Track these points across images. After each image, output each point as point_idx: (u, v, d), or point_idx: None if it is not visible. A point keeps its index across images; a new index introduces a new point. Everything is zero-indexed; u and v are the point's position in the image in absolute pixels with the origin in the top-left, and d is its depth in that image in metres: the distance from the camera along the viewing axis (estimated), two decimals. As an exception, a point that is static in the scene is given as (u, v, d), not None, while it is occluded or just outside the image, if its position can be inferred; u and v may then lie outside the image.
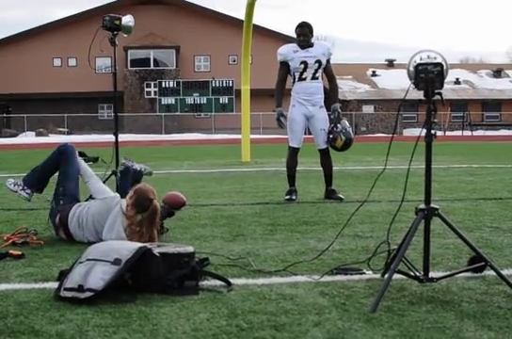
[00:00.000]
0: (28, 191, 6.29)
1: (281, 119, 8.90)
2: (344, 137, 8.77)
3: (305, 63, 8.80)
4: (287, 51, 8.93)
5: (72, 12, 66.90)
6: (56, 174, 6.30)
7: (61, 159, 6.26)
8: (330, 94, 9.10)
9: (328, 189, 9.01)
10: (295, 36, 9.02)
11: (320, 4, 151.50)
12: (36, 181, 6.33)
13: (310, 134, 9.04)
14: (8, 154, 25.62)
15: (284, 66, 8.96)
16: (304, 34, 8.85)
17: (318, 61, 8.83)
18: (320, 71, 8.90)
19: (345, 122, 8.88)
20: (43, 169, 6.34)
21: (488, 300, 3.86)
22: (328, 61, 8.96)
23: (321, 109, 8.95)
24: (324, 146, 8.92)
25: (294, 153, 9.02)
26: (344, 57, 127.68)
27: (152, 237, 5.46)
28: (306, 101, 8.88)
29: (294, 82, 8.98)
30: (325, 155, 9.00)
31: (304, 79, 8.87)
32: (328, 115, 8.83)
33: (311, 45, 8.88)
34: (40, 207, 7.83)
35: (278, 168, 14.18)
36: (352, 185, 10.55)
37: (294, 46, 8.94)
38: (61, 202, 6.08)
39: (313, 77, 8.88)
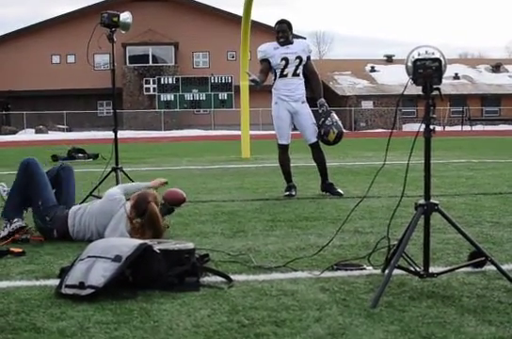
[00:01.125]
0: (15, 224, 5.91)
1: (252, 75, 8.65)
2: (336, 130, 8.75)
3: (286, 59, 8.79)
4: (267, 48, 8.94)
5: (71, 9, 66.77)
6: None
7: (28, 174, 6.03)
8: (315, 90, 9.06)
9: (325, 183, 9.00)
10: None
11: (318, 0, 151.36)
12: (14, 208, 6.04)
13: (296, 130, 9.02)
14: (8, 151, 25.61)
15: (264, 63, 8.93)
16: (283, 30, 8.86)
17: (299, 57, 8.84)
18: (301, 67, 8.89)
19: (334, 116, 8.85)
20: (16, 191, 6.07)
21: (488, 295, 3.86)
22: (308, 58, 8.97)
23: (303, 104, 8.95)
24: (314, 140, 8.89)
25: (284, 149, 9.04)
26: (343, 53, 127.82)
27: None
28: (287, 97, 8.88)
29: (275, 79, 8.98)
30: (316, 150, 8.98)
31: (285, 76, 8.87)
32: (316, 111, 8.79)
33: (290, 42, 8.90)
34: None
35: (277, 164, 14.19)
36: (352, 181, 10.55)
37: (274, 44, 8.93)
38: (47, 219, 5.90)
39: (294, 74, 8.87)
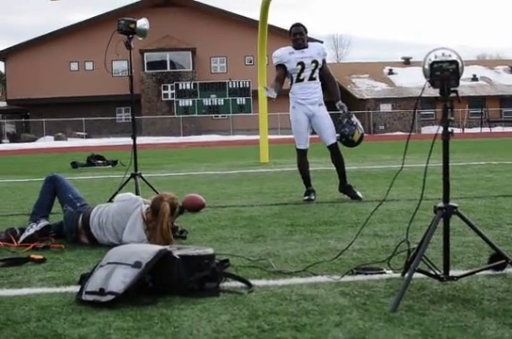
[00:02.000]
0: (42, 223, 6.15)
1: (269, 89, 8.65)
2: (360, 131, 8.76)
3: (302, 64, 8.78)
4: (282, 53, 8.90)
5: (86, 17, 67.05)
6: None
7: (54, 182, 6.34)
8: (332, 93, 9.05)
9: (344, 185, 8.97)
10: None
11: (334, 3, 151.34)
12: (41, 211, 6.30)
13: (315, 133, 9.01)
14: (28, 158, 25.75)
15: (280, 69, 8.92)
16: (300, 33, 8.84)
17: (315, 61, 8.82)
18: (317, 71, 8.87)
19: (355, 117, 8.87)
20: (43, 196, 6.36)
21: (509, 298, 3.84)
22: (323, 61, 8.95)
23: (321, 107, 8.93)
24: (332, 141, 8.86)
25: (302, 154, 9.02)
26: (360, 56, 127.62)
27: (166, 239, 5.46)
28: (304, 100, 8.86)
29: (291, 83, 8.96)
30: (335, 151, 8.93)
31: (302, 80, 8.85)
32: (335, 114, 8.76)
33: (305, 46, 8.88)
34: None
35: (296, 168, 14.18)
36: (371, 185, 10.53)
37: (289, 49, 8.91)
38: (78, 204, 6.17)
39: (311, 78, 8.85)
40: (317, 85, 8.92)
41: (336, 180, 9.07)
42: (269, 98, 8.50)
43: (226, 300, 3.93)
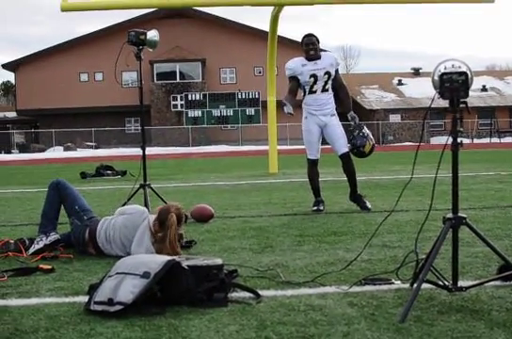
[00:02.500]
0: (52, 237, 6.14)
1: (287, 105, 8.60)
2: (371, 142, 8.77)
3: (315, 76, 8.77)
4: (295, 65, 8.88)
5: (95, 28, 67.35)
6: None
7: (60, 190, 6.31)
8: (343, 103, 9.06)
9: (354, 194, 8.97)
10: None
11: (344, 14, 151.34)
12: (49, 222, 6.29)
13: (326, 144, 9.00)
14: (38, 169, 25.81)
15: (293, 81, 8.91)
16: (312, 43, 8.82)
17: (327, 73, 8.81)
18: (330, 82, 8.86)
19: (366, 129, 8.87)
20: (50, 207, 6.33)
21: (518, 309, 3.84)
22: (336, 71, 8.95)
23: (333, 117, 8.93)
24: (344, 150, 8.85)
25: (313, 164, 9.00)
26: (370, 67, 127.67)
27: (174, 251, 5.47)
28: (316, 111, 8.86)
29: (304, 95, 8.95)
30: (346, 161, 8.92)
31: (315, 92, 8.85)
32: (348, 124, 8.77)
33: (318, 57, 8.85)
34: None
35: (305, 179, 14.14)
36: (380, 195, 10.52)
37: (301, 60, 8.89)
38: (85, 218, 6.14)
39: (323, 89, 8.85)
40: (330, 96, 8.92)
41: (346, 190, 9.06)
42: (289, 114, 8.48)
43: (234, 311, 3.93)
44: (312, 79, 8.78)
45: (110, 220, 5.99)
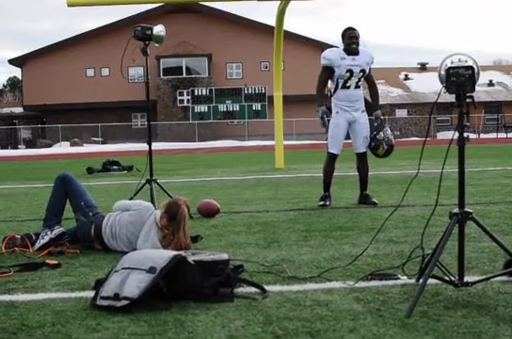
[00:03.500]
0: (56, 231, 6.14)
1: (325, 117, 8.74)
2: (386, 146, 8.76)
3: (351, 72, 8.70)
4: (334, 56, 8.75)
5: (101, 23, 67.32)
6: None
7: (66, 185, 6.32)
8: (372, 101, 9.07)
9: (362, 194, 8.98)
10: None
11: (350, 8, 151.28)
12: (54, 216, 6.28)
13: (348, 138, 8.99)
14: (44, 164, 25.84)
15: (327, 71, 8.80)
16: (355, 36, 8.71)
17: (363, 70, 8.77)
18: (362, 79, 8.84)
19: (388, 130, 8.86)
20: (55, 200, 6.33)
21: (524, 304, 3.83)
22: (369, 70, 8.93)
23: (363, 114, 8.93)
24: (362, 150, 8.89)
25: (332, 159, 8.98)
26: (376, 61, 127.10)
27: (187, 244, 5.50)
28: (349, 107, 8.81)
29: (336, 89, 8.86)
30: (362, 159, 8.97)
31: (348, 87, 8.78)
32: (371, 122, 8.78)
33: (357, 52, 8.75)
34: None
35: (311, 174, 14.16)
36: (386, 190, 10.51)
37: (340, 52, 8.77)
38: (90, 214, 6.16)
39: (356, 86, 8.81)
40: (361, 92, 8.92)
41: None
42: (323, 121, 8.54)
43: (240, 306, 3.93)
44: (348, 74, 8.71)
45: (115, 217, 5.99)
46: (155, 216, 5.73)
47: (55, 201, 6.34)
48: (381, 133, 8.78)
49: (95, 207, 6.29)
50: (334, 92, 8.89)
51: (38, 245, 6.01)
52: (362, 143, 8.87)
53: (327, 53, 8.89)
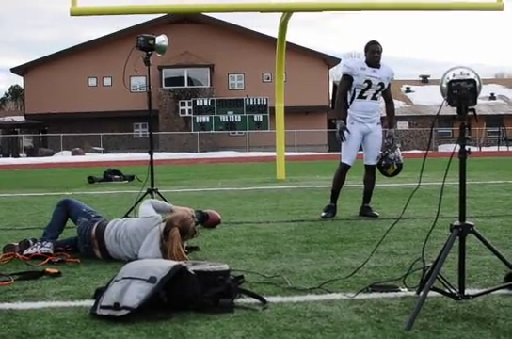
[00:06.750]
0: (48, 245, 6.12)
1: (345, 132, 8.75)
2: (396, 166, 8.77)
3: (369, 82, 8.70)
4: (354, 66, 8.79)
5: (103, 33, 67.50)
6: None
7: (67, 206, 6.40)
8: (387, 118, 9.08)
9: (364, 206, 8.97)
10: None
11: (350, 20, 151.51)
12: (51, 232, 6.34)
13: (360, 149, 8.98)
14: (45, 173, 25.84)
15: (347, 79, 8.80)
16: (378, 51, 8.75)
17: (381, 84, 8.78)
18: (380, 92, 8.85)
19: (398, 151, 8.84)
20: (55, 219, 6.41)
21: (524, 318, 3.82)
22: (388, 85, 8.94)
23: (378, 126, 8.94)
24: (372, 162, 8.87)
25: (344, 169, 8.94)
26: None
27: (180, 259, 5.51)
28: (364, 119, 8.82)
29: (352, 99, 8.85)
30: (370, 171, 8.96)
31: (364, 98, 8.78)
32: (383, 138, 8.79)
33: (378, 66, 8.79)
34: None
35: (312, 185, 14.17)
36: (387, 202, 10.50)
37: (361, 63, 8.81)
38: (93, 215, 6.23)
39: (373, 97, 8.81)
40: (378, 104, 8.91)
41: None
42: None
43: (240, 317, 3.93)
44: (366, 84, 8.71)
45: (122, 222, 6.03)
46: (160, 227, 5.75)
47: (55, 219, 6.42)
48: (393, 153, 8.77)
49: (97, 212, 6.38)
50: (350, 103, 8.88)
51: (26, 252, 6.04)
52: (373, 156, 8.86)
53: (347, 61, 8.99)
